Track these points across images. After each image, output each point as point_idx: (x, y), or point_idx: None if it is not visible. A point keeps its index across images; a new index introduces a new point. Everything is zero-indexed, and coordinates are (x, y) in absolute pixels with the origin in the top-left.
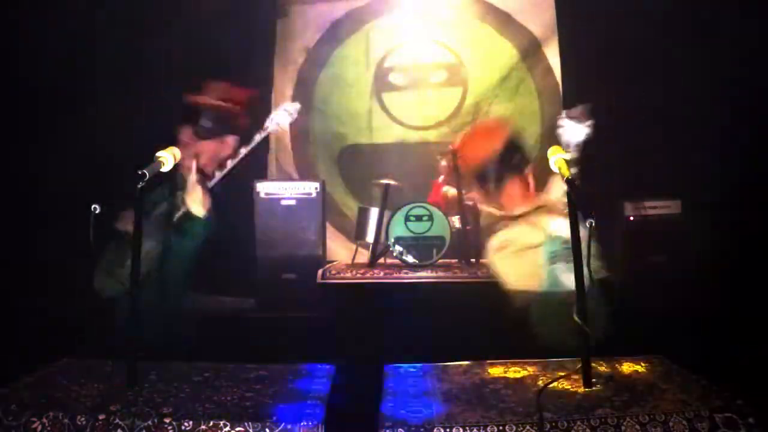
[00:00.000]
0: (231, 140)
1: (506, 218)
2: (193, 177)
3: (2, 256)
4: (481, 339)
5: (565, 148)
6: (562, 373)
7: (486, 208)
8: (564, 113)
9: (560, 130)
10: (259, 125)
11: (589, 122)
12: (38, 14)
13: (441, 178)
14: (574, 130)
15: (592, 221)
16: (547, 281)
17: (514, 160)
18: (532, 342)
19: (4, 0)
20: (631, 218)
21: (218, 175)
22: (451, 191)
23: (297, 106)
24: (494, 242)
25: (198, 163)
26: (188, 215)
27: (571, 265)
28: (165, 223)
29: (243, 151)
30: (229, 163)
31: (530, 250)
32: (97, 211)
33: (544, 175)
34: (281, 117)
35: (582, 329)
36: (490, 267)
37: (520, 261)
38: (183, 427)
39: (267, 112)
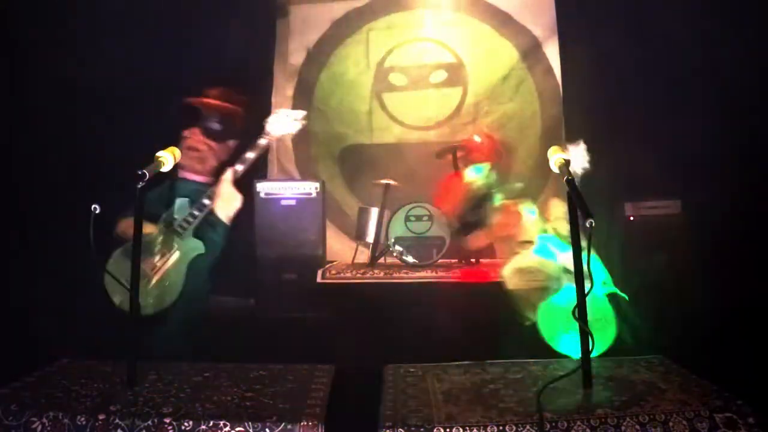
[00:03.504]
0: (232, 144)
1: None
2: (230, 179)
3: (2, 256)
4: (481, 339)
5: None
6: (562, 373)
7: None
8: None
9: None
10: (258, 129)
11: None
12: (39, 12)
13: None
14: (578, 162)
15: (592, 221)
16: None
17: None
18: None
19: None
20: (631, 218)
21: (224, 176)
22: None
23: (302, 113)
24: (507, 270)
25: (209, 165)
26: (208, 222)
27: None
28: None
29: (251, 155)
30: (240, 168)
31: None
32: (97, 211)
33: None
34: (287, 125)
35: (582, 329)
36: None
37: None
38: (183, 427)
39: (266, 113)
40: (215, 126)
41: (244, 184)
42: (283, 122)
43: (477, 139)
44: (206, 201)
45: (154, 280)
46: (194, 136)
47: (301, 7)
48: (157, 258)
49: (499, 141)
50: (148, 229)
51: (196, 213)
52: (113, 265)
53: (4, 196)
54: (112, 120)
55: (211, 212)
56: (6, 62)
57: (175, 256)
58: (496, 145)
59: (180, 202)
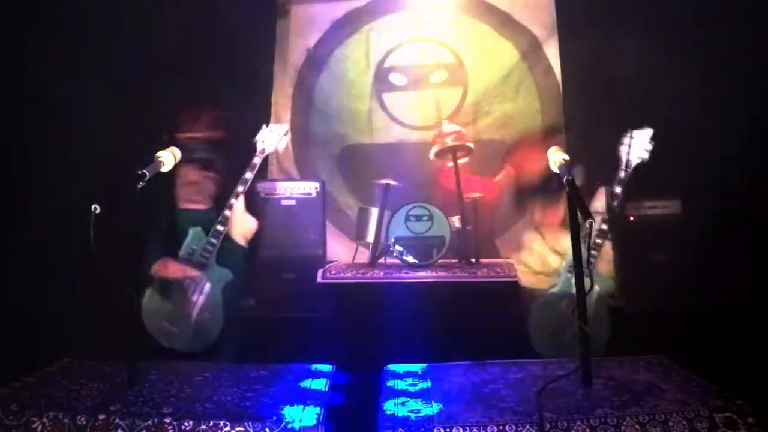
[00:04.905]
0: (225, 166)
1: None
2: (241, 206)
3: (2, 256)
4: (481, 339)
5: (624, 167)
6: (562, 373)
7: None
8: (631, 131)
9: (622, 147)
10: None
11: (650, 145)
12: (38, 11)
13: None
14: (638, 149)
15: (593, 221)
16: (560, 286)
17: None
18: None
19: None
20: (631, 218)
21: (234, 201)
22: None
23: (286, 127)
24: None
25: (208, 193)
26: (227, 248)
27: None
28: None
29: (249, 175)
30: (241, 189)
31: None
32: (97, 211)
33: None
34: (276, 140)
35: (582, 329)
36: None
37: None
38: (183, 427)
39: (266, 115)
40: (205, 156)
41: None
42: (271, 138)
43: (446, 129)
44: (220, 228)
45: (194, 316)
46: (190, 171)
47: (301, 7)
48: (192, 294)
49: (465, 135)
50: (176, 269)
51: (214, 241)
52: (147, 303)
53: (4, 196)
54: (112, 120)
55: (227, 238)
56: (6, 62)
57: (207, 287)
58: (464, 138)
59: (193, 231)
